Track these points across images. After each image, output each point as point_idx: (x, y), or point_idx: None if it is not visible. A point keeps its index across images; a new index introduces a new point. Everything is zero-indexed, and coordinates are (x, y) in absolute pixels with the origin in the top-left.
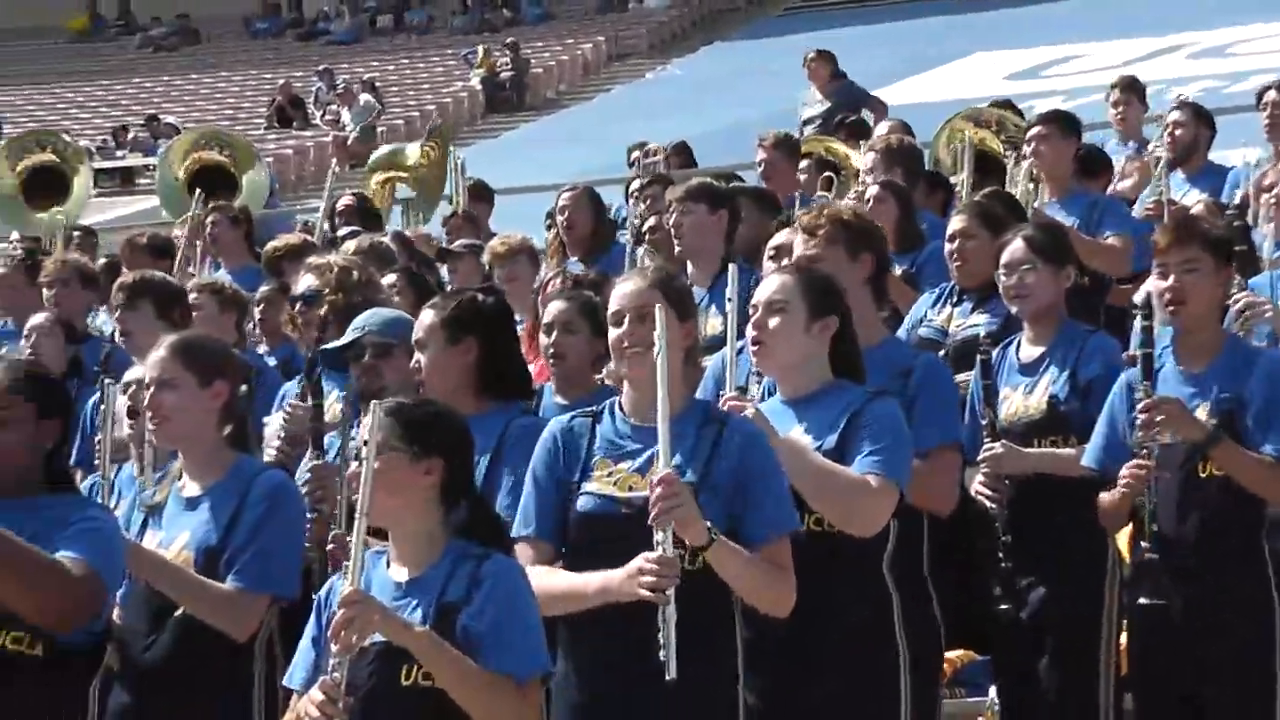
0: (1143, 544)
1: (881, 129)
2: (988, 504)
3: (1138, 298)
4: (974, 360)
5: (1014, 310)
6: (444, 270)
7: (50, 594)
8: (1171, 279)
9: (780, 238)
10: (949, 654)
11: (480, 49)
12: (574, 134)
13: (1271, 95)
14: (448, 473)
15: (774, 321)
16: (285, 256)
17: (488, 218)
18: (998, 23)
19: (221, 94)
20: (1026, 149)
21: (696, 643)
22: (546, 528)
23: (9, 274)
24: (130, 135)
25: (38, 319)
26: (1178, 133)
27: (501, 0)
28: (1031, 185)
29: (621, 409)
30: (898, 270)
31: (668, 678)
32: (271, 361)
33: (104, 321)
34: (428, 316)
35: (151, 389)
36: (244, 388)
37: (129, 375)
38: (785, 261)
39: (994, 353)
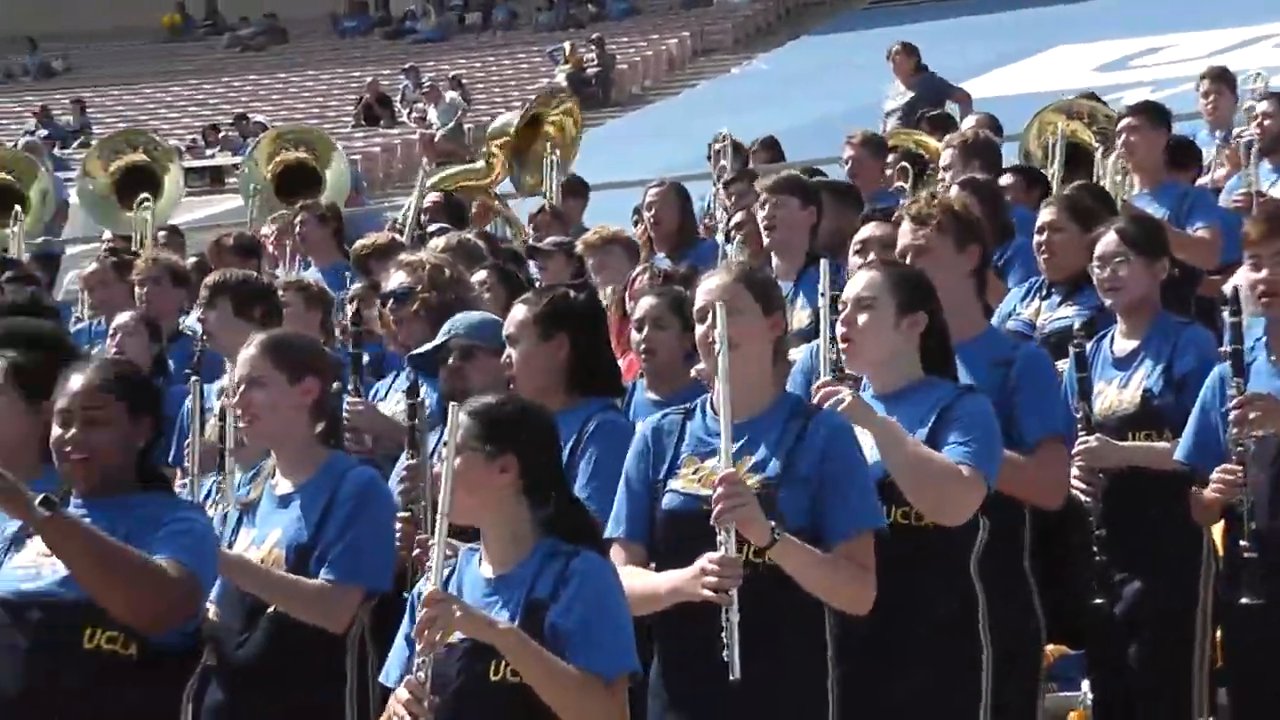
0: (1241, 542)
1: (969, 122)
2: (1082, 497)
3: (1226, 288)
4: (1065, 353)
5: (1108, 303)
6: (533, 267)
7: (145, 595)
8: (1265, 271)
9: (866, 232)
10: None
11: (566, 45)
12: (659, 129)
13: None
14: (525, 470)
15: (863, 318)
16: (373, 255)
17: (581, 213)
18: (1080, 15)
19: (309, 93)
20: (1117, 140)
21: (762, 641)
22: (637, 529)
23: (99, 270)
24: (220, 134)
25: (123, 318)
26: (1266, 122)
27: None
28: (1120, 177)
29: (711, 406)
30: None
31: (731, 678)
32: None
33: (195, 320)
34: (520, 312)
35: (241, 387)
36: (335, 385)
37: (223, 380)
38: (871, 256)
39: (1088, 345)
